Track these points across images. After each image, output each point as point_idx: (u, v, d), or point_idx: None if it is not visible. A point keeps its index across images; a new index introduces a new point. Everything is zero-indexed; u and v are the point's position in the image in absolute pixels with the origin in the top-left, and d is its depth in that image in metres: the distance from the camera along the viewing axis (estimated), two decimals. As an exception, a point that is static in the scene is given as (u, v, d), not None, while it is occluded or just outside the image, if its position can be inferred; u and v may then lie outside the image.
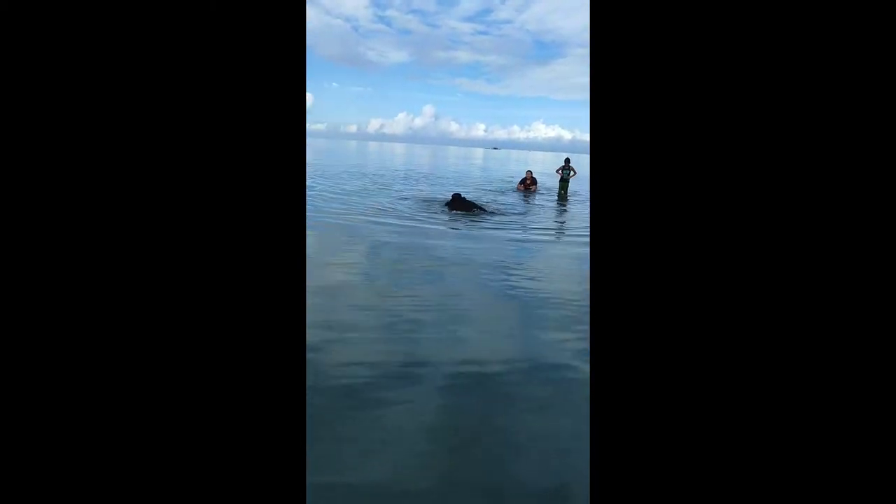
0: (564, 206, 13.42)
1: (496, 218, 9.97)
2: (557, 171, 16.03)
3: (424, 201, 11.93)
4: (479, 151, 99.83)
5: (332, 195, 12.05)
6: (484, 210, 10.66)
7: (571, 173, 15.85)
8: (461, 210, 10.39)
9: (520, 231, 8.63)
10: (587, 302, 4.20)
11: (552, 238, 8.22)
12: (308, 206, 8.77)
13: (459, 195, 11.08)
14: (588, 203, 13.69)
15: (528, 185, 16.19)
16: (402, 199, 12.36)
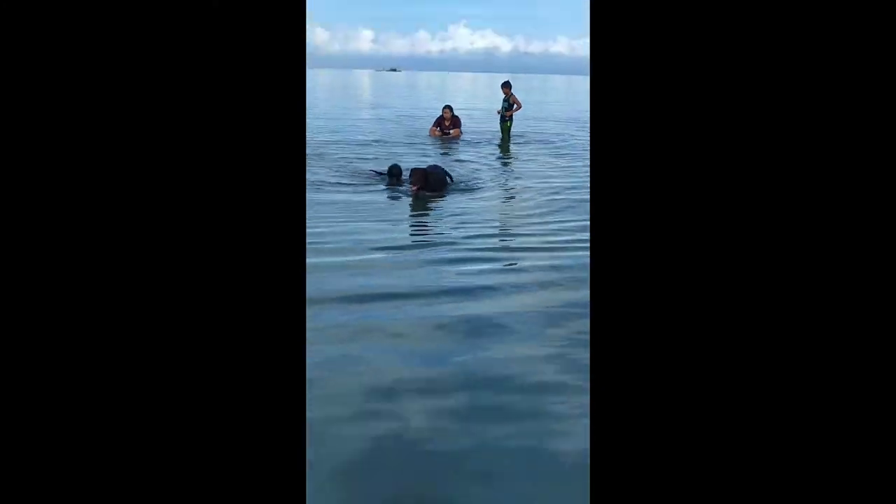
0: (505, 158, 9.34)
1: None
2: (498, 112, 11.41)
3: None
4: (366, 77, 76.98)
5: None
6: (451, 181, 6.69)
7: (515, 107, 11.18)
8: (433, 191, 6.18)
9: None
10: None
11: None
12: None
13: (431, 169, 6.55)
14: (544, 147, 10.83)
15: (445, 127, 11.54)
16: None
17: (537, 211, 5.61)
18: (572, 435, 2.12)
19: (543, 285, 3.61)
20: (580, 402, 2.30)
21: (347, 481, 1.91)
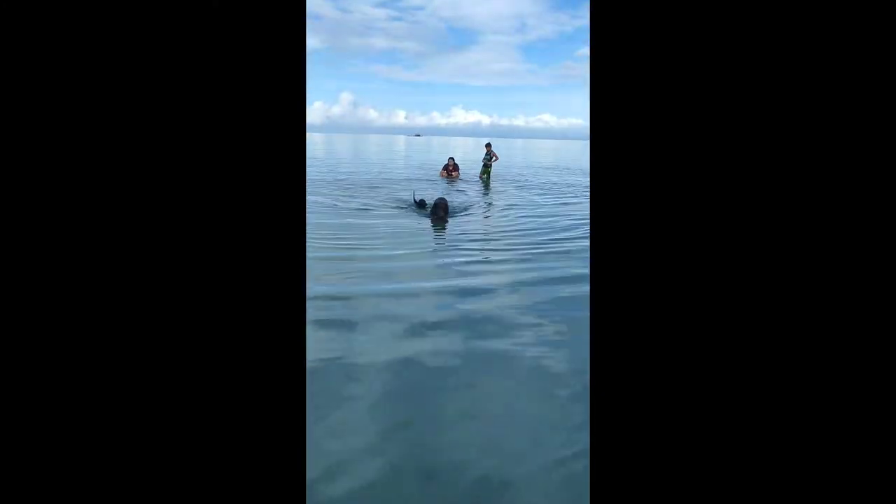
0: (488, 192, 9.43)
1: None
2: (483, 161, 11.65)
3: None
4: (402, 139, 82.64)
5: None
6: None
7: (493, 158, 11.47)
8: (443, 219, 5.98)
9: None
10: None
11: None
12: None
13: (440, 201, 6.36)
14: (513, 184, 10.71)
15: (450, 171, 11.75)
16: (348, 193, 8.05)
17: (507, 226, 5.87)
18: (520, 344, 2.44)
19: (510, 270, 3.93)
20: (518, 337, 2.63)
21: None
